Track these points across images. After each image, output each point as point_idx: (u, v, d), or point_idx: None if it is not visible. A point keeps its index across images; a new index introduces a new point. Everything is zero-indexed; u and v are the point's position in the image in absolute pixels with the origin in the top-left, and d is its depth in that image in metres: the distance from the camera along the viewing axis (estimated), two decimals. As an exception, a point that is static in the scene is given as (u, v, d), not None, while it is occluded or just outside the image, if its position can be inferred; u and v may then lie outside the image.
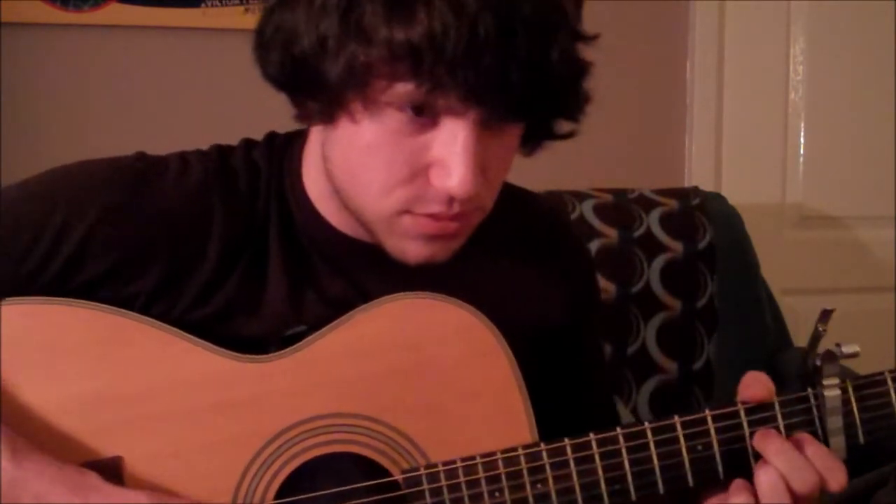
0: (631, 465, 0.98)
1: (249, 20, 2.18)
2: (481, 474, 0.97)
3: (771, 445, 0.97)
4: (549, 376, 1.10)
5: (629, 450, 0.98)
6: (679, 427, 0.99)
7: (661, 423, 0.99)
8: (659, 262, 2.09)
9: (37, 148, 2.12)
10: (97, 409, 0.95)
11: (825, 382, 1.00)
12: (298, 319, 1.02)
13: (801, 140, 2.62)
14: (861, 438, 1.01)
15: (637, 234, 2.09)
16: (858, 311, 2.25)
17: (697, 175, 2.54)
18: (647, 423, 0.99)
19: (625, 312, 2.06)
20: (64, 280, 0.98)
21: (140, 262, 1.00)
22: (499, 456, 0.98)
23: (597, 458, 0.98)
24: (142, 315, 0.98)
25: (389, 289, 1.01)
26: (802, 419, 1.00)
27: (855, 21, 2.58)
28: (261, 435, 0.97)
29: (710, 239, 2.12)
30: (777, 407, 1.00)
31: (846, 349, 1.00)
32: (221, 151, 1.07)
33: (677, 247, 2.11)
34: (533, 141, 1.00)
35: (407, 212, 0.94)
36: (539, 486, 0.97)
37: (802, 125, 2.61)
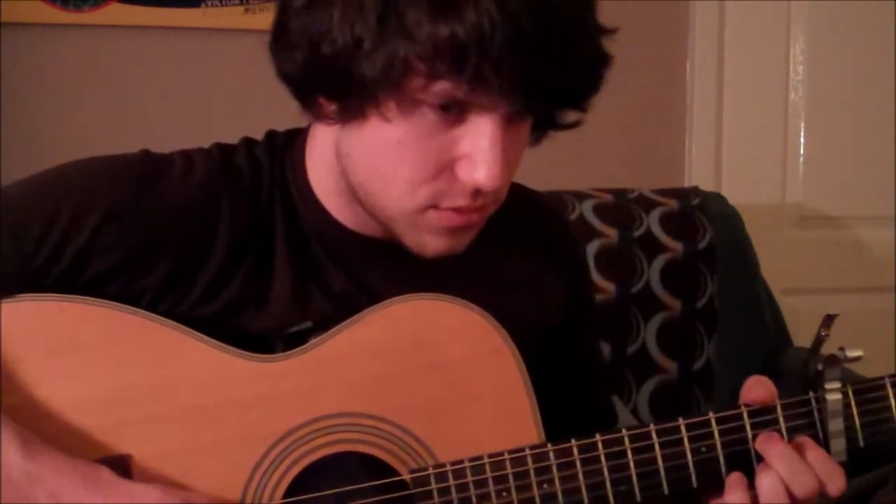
0: (636, 466, 0.99)
1: (249, 20, 2.20)
2: (489, 474, 0.98)
3: (773, 449, 0.98)
4: (546, 374, 1.10)
5: (634, 451, 0.99)
6: (684, 429, 1.00)
7: (666, 426, 1.00)
8: (659, 262, 2.09)
9: (37, 148, 2.12)
10: (105, 408, 0.95)
11: (827, 386, 1.01)
12: (303, 315, 1.02)
13: (801, 140, 2.62)
14: (861, 442, 1.02)
15: (637, 234, 2.09)
16: (858, 311, 2.25)
17: (697, 175, 2.55)
18: (651, 425, 1.00)
19: (625, 312, 2.07)
20: (73, 276, 0.98)
21: (148, 259, 1.00)
22: (507, 456, 0.98)
23: (603, 458, 0.99)
24: (151, 313, 0.98)
25: (393, 285, 1.03)
26: (804, 422, 1.01)
27: (855, 21, 2.58)
28: (270, 434, 0.97)
29: (710, 239, 2.13)
30: (779, 410, 1.01)
31: (850, 353, 1.01)
32: (223, 150, 1.08)
33: (677, 247, 2.11)
34: (540, 131, 1.02)
35: (432, 206, 0.95)
36: (546, 486, 0.98)
37: (802, 125, 2.61)
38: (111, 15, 2.18)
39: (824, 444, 1.00)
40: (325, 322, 1.01)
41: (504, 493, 0.97)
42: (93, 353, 0.96)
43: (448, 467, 0.98)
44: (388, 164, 0.94)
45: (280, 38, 0.95)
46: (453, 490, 0.97)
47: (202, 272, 1.01)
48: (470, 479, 0.97)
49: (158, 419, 0.96)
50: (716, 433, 1.00)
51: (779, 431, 1.00)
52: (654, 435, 0.99)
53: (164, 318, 0.98)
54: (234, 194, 1.04)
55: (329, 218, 1.06)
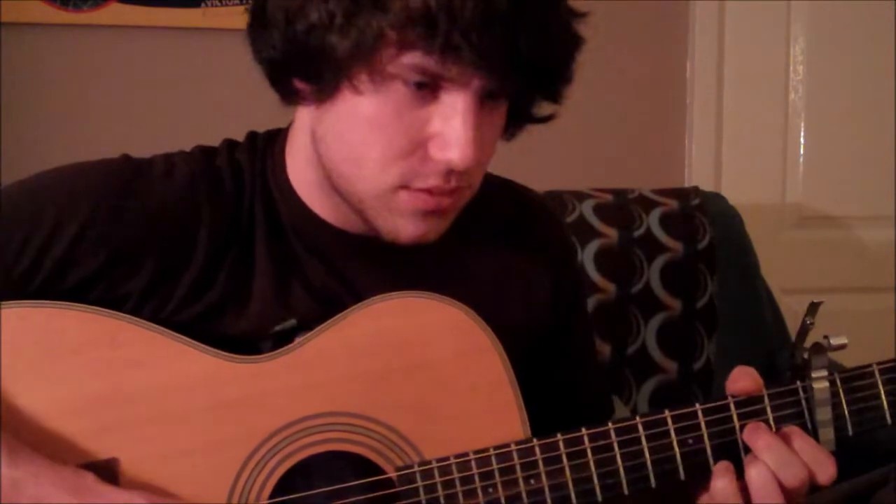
0: (623, 460, 0.99)
1: (249, 20, 2.20)
2: (475, 470, 0.98)
3: (760, 440, 0.98)
4: (537, 374, 1.10)
5: (621, 444, 0.99)
6: (670, 421, 1.00)
7: (653, 418, 1.00)
8: (659, 262, 2.09)
9: (37, 148, 2.13)
10: (92, 412, 0.95)
11: (814, 375, 1.01)
12: (286, 311, 1.02)
13: (801, 140, 2.61)
14: (850, 430, 1.02)
15: (637, 234, 2.09)
16: (858, 311, 2.24)
17: (697, 175, 2.54)
18: (638, 418, 1.00)
19: (625, 312, 2.06)
20: (55, 282, 0.99)
21: (130, 263, 1.00)
22: (492, 452, 0.98)
23: (589, 452, 0.98)
24: (134, 316, 0.99)
25: (375, 281, 1.03)
26: (792, 412, 1.01)
27: (855, 21, 2.57)
28: (255, 435, 0.97)
29: (710, 239, 2.12)
30: (766, 400, 1.01)
31: (834, 341, 1.00)
32: (205, 152, 1.09)
33: (677, 247, 2.10)
34: (515, 123, 1.02)
35: (404, 187, 0.95)
36: (532, 481, 0.98)
37: (802, 125, 2.61)
38: (111, 15, 2.19)
39: (813, 433, 1.00)
40: (309, 319, 1.01)
41: (490, 490, 0.97)
42: (77, 358, 0.96)
43: (434, 464, 0.98)
44: (359, 142, 0.95)
45: (256, 20, 0.97)
46: (439, 487, 0.97)
47: (185, 275, 1.02)
48: (456, 475, 0.97)
49: (144, 422, 0.96)
50: (702, 424, 1.00)
51: (766, 422, 1.00)
52: (640, 427, 0.99)
53: (144, 321, 0.98)
54: (215, 196, 1.04)
55: (308, 213, 1.06)
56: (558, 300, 1.17)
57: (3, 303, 0.96)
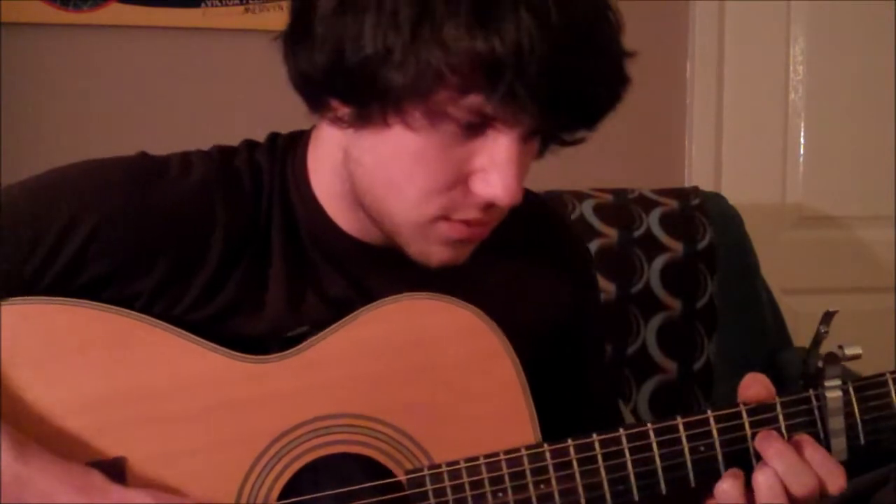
0: (634, 466, 0.98)
1: (249, 20, 2.20)
2: (484, 475, 0.97)
3: (771, 447, 0.97)
4: (551, 376, 1.10)
5: (632, 450, 0.98)
6: (682, 428, 0.99)
7: (664, 424, 0.99)
8: (659, 262, 2.09)
9: (37, 148, 2.13)
10: (101, 410, 0.95)
11: (827, 384, 1.00)
12: (299, 320, 1.02)
13: (801, 140, 2.62)
14: (862, 440, 1.01)
15: (637, 234, 2.09)
16: (858, 311, 2.24)
17: (697, 175, 2.54)
18: (649, 424, 0.99)
19: (625, 312, 2.06)
20: (67, 280, 0.98)
21: (143, 262, 1.00)
22: (502, 457, 0.98)
23: (600, 458, 0.98)
24: (144, 315, 0.98)
25: (393, 290, 1.02)
26: (804, 420, 1.00)
27: (855, 21, 2.57)
28: (264, 436, 0.97)
29: (710, 239, 2.13)
30: (779, 408, 1.00)
31: (848, 351, 1.00)
32: (223, 152, 1.07)
33: (677, 247, 2.11)
34: (545, 145, 1.01)
35: (443, 217, 0.95)
36: (542, 486, 0.98)
37: (802, 125, 2.61)
38: (111, 15, 2.18)
39: (825, 442, 1.00)
40: (322, 326, 1.00)
41: (500, 494, 0.97)
42: (87, 356, 0.96)
43: (444, 468, 0.97)
44: (403, 173, 0.93)
45: (301, 40, 0.92)
46: (449, 491, 0.97)
47: (197, 275, 1.01)
48: (466, 479, 0.97)
49: (153, 421, 0.96)
50: (714, 432, 0.99)
51: (778, 430, 0.99)
52: (651, 434, 0.99)
53: (154, 320, 0.98)
54: (232, 197, 1.03)
55: (329, 222, 1.05)
56: (577, 309, 1.17)
57: (14, 299, 0.95)
